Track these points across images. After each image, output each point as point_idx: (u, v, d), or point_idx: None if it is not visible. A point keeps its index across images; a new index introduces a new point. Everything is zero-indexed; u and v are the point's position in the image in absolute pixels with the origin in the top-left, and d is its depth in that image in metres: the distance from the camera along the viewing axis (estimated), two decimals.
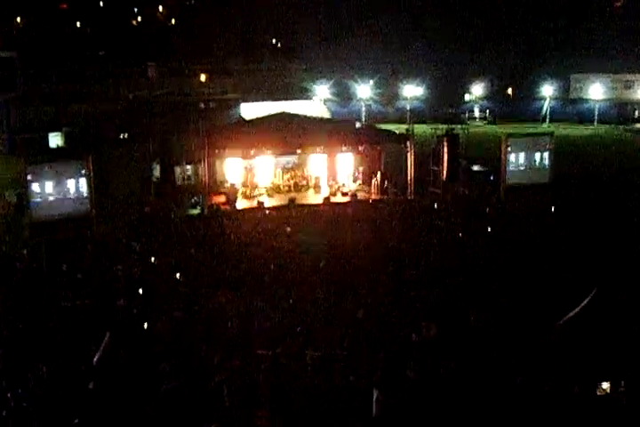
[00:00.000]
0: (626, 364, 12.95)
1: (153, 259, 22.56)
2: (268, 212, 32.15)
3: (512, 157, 35.29)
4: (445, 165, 36.81)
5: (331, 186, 37.25)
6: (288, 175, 37.66)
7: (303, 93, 75.97)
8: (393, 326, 15.60)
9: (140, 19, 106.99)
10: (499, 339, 14.57)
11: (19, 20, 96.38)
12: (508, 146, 35.23)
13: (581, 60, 75.74)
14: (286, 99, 64.13)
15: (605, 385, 12.32)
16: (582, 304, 13.97)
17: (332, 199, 35.27)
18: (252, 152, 35.34)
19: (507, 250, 22.90)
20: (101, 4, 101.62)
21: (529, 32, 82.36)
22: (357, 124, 43.38)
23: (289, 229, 27.23)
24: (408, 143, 36.00)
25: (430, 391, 12.44)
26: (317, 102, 73.46)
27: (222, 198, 34.98)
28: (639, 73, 72.66)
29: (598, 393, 12.29)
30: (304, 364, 13.80)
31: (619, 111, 72.42)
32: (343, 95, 78.86)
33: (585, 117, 72.79)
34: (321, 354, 13.88)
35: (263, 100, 65.21)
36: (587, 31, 78.87)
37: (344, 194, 36.31)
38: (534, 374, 12.81)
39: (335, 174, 38.36)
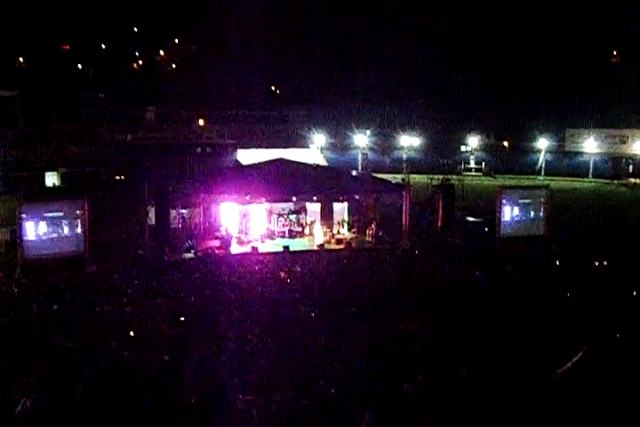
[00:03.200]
0: (625, 418, 12.76)
1: (144, 301, 22.40)
2: (261, 257, 32.01)
3: (507, 209, 35.42)
4: (440, 215, 36.96)
5: (325, 233, 37.21)
6: (283, 222, 37.66)
7: (300, 141, 76.41)
8: (385, 377, 15.43)
9: (140, 62, 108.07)
10: (492, 392, 14.39)
11: (21, 59, 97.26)
12: (503, 198, 35.38)
13: (577, 113, 76.58)
14: (283, 146, 64.46)
15: None
16: (578, 356, 13.79)
17: (327, 246, 35.20)
18: (248, 198, 35.33)
19: (501, 301, 22.80)
20: (103, 46, 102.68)
21: (525, 85, 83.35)
22: (354, 173, 43.57)
23: (282, 274, 27.13)
24: (404, 193, 36.06)
25: None
26: (314, 150, 73.87)
27: (216, 243, 34.92)
28: (634, 128, 73.37)
29: None
30: (295, 412, 13.61)
31: (613, 165, 72.96)
32: (340, 144, 79.43)
33: (580, 171, 73.33)
34: (313, 403, 13.70)
35: (260, 146, 65.52)
36: (583, 86, 79.89)
37: (338, 241, 36.27)
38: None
39: (330, 222, 38.35)
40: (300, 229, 37.78)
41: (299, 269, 28.00)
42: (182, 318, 20.37)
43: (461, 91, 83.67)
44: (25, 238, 28.41)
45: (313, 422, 13.23)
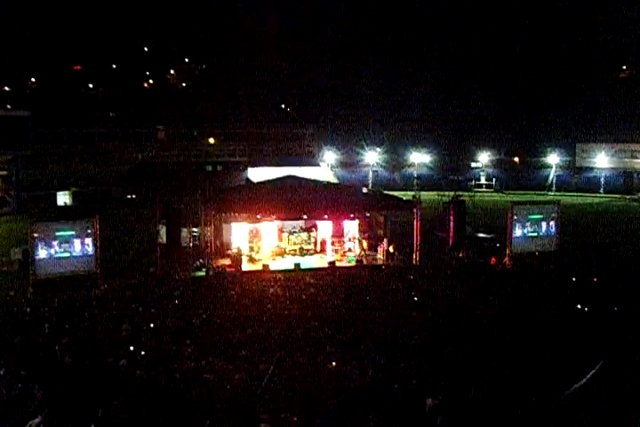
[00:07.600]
0: None
1: (156, 320, 22.38)
2: (272, 275, 31.90)
3: (518, 225, 35.26)
4: (451, 231, 36.87)
5: (336, 251, 37.10)
6: (294, 239, 37.57)
7: (311, 159, 76.53)
8: (399, 393, 15.39)
9: (151, 82, 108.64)
10: (503, 409, 14.33)
11: (33, 80, 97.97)
12: (513, 214, 35.25)
13: (587, 128, 76.46)
14: (294, 164, 64.47)
15: None
16: (589, 375, 13.74)
17: (338, 264, 35.06)
18: (259, 216, 35.29)
19: (511, 319, 22.68)
20: (114, 66, 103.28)
21: (536, 101, 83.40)
22: (364, 190, 43.45)
23: (293, 292, 27.08)
24: (414, 209, 35.96)
25: None
26: (325, 168, 73.95)
27: (227, 261, 34.88)
28: None
29: None
30: None
31: (624, 180, 72.67)
32: (351, 161, 79.47)
33: (591, 186, 73.13)
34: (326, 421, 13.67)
35: (271, 164, 65.57)
36: (593, 101, 79.88)
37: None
38: None
39: (341, 239, 38.22)
40: (311, 246, 37.72)
41: (311, 290, 27.91)
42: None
43: (472, 107, 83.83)
44: (37, 257, 28.50)
45: None
